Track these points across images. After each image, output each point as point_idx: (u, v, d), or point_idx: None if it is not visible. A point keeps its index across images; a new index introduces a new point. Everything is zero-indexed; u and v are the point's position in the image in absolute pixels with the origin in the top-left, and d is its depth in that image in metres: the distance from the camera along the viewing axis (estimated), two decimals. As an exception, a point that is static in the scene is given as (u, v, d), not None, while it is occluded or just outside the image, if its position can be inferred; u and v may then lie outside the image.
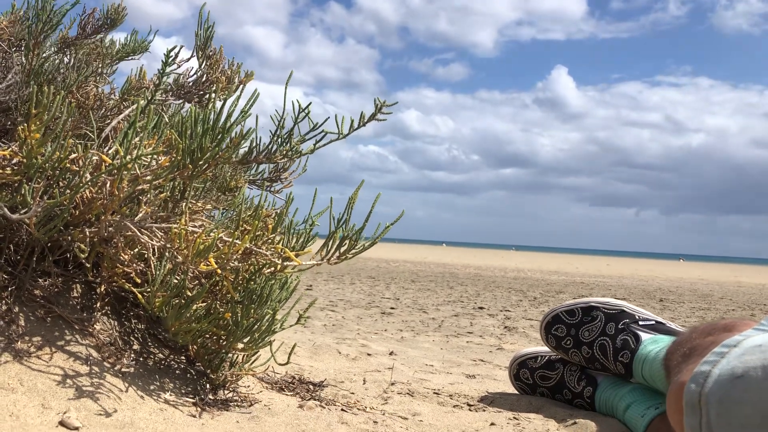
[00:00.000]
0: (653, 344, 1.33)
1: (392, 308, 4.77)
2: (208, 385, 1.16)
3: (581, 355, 1.44)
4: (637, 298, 7.47)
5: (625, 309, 1.45)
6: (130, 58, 2.02)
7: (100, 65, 1.87)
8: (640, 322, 1.41)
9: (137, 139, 1.00)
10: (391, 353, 2.16)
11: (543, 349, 1.57)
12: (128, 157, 0.92)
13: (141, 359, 1.14)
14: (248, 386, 1.27)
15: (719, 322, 0.90)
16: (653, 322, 1.42)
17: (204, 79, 1.35)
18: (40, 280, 1.10)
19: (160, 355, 1.19)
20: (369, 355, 2.03)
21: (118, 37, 2.04)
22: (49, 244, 1.09)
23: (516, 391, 1.60)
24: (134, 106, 1.25)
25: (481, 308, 5.20)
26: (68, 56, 1.73)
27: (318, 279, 7.41)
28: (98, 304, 1.13)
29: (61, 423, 0.88)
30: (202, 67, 1.36)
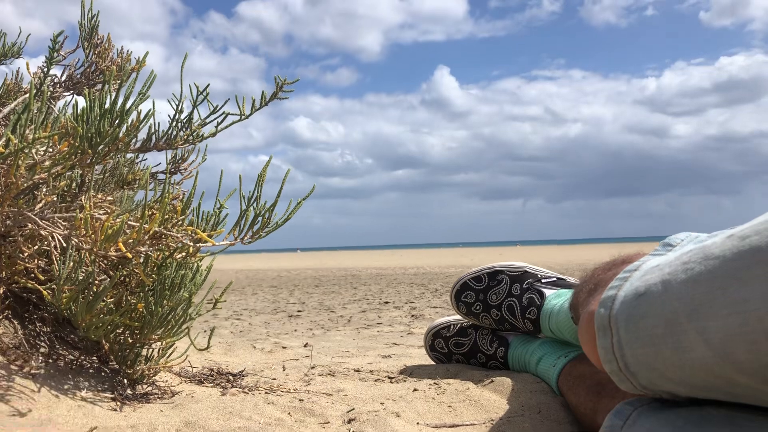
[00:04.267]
0: (557, 298, 1.41)
1: (299, 311, 4.75)
2: (125, 381, 1.12)
3: (491, 318, 1.50)
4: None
5: (527, 270, 1.52)
6: (3, 62, 1.92)
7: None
8: (543, 280, 1.49)
9: (31, 127, 0.95)
10: (306, 345, 2.16)
11: (455, 317, 1.62)
12: (24, 142, 0.88)
13: (50, 361, 1.09)
14: (166, 381, 1.24)
15: (617, 258, 0.96)
16: (555, 279, 1.50)
17: (93, 69, 1.30)
18: (-70, 286, 1.02)
19: (71, 357, 1.14)
20: (284, 348, 2.02)
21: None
22: (-63, 247, 1.02)
23: (433, 362, 1.64)
24: (21, 99, 1.19)
25: (386, 303, 5.27)
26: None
27: (217, 292, 7.26)
28: (-2, 308, 1.07)
29: (-28, 426, 0.83)
30: (89, 57, 1.31)
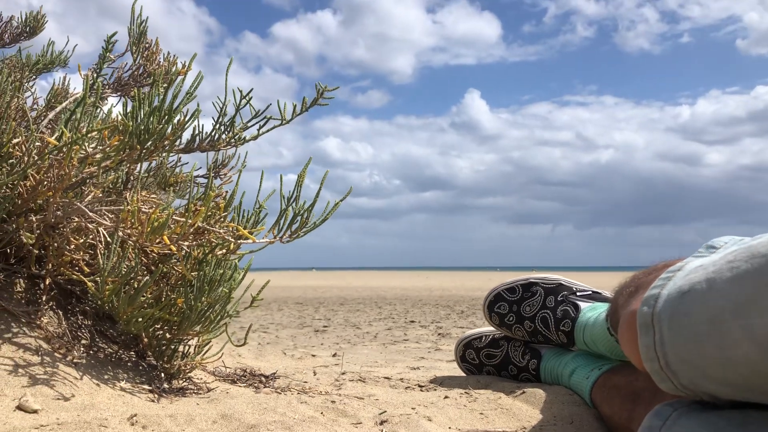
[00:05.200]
0: (592, 311, 1.40)
1: (325, 326, 4.76)
2: (162, 375, 1.14)
3: (524, 330, 1.49)
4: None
5: (562, 282, 1.52)
6: (51, 70, 1.98)
7: (21, 76, 1.82)
8: (578, 293, 1.48)
9: (84, 123, 0.98)
10: (334, 355, 2.17)
11: (487, 329, 1.61)
12: (78, 134, 0.91)
13: (91, 352, 1.11)
14: (201, 378, 1.25)
15: (658, 263, 0.96)
16: (590, 292, 1.49)
17: (141, 71, 1.34)
18: (-20, 275, 1.05)
19: (110, 350, 1.16)
20: (314, 356, 2.03)
21: (33, 51, 1.99)
22: (-11, 236, 1.05)
23: (463, 374, 1.64)
24: (72, 98, 1.23)
25: (412, 322, 5.25)
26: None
27: (242, 306, 7.30)
28: (44, 298, 1.09)
29: (19, 407, 0.85)
30: (137, 61, 1.35)
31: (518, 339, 1.54)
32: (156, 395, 1.06)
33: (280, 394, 1.23)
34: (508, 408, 1.24)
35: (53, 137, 1.01)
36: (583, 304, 1.44)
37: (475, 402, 1.27)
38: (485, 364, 1.58)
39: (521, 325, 1.50)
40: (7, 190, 0.99)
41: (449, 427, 1.12)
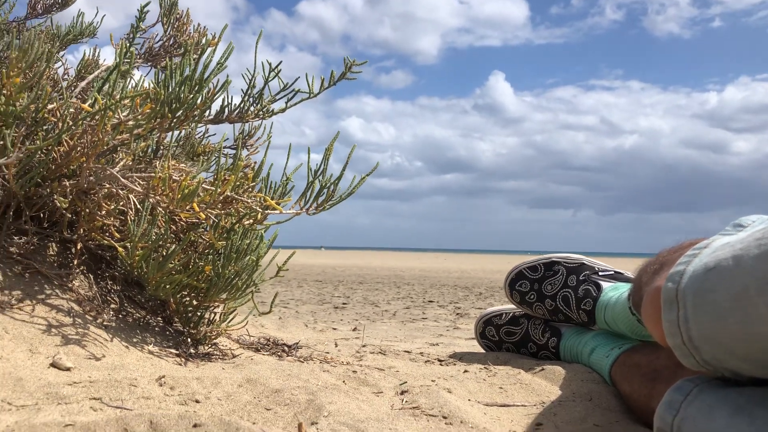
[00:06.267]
0: (614, 291, 1.40)
1: (344, 303, 4.79)
2: (189, 340, 1.17)
3: (545, 308, 1.50)
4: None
5: (584, 262, 1.52)
6: (80, 41, 2.00)
7: (52, 47, 1.84)
8: (600, 273, 1.48)
9: (119, 88, 1.00)
10: (354, 329, 2.19)
11: (508, 307, 1.62)
12: (111, 100, 0.92)
13: (120, 316, 1.14)
14: (225, 345, 1.28)
15: (684, 242, 0.96)
16: (612, 272, 1.49)
17: (172, 42, 1.36)
18: (15, 237, 1.08)
19: (138, 315, 1.19)
20: (334, 329, 2.06)
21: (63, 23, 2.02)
22: (24, 200, 1.08)
23: (482, 350, 1.65)
24: (104, 67, 1.25)
25: (430, 302, 5.27)
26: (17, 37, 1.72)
27: (267, 276, 7.37)
28: (75, 262, 1.12)
29: (53, 365, 0.88)
30: (168, 32, 1.37)
31: (538, 317, 1.55)
32: (183, 359, 1.08)
33: (302, 362, 1.25)
34: (527, 383, 1.26)
35: (87, 104, 1.02)
36: (604, 284, 1.44)
37: (495, 377, 1.28)
38: (505, 341, 1.59)
39: (542, 304, 1.50)
40: (42, 155, 1.01)
41: (468, 399, 1.14)
